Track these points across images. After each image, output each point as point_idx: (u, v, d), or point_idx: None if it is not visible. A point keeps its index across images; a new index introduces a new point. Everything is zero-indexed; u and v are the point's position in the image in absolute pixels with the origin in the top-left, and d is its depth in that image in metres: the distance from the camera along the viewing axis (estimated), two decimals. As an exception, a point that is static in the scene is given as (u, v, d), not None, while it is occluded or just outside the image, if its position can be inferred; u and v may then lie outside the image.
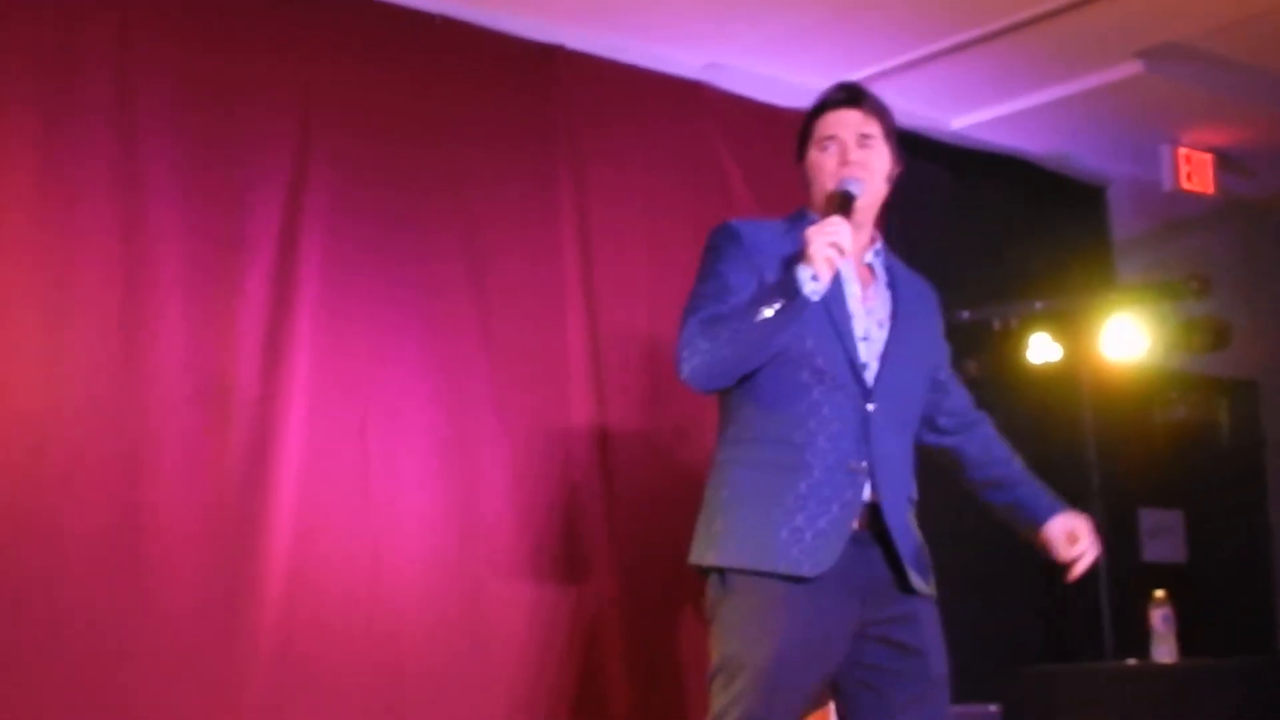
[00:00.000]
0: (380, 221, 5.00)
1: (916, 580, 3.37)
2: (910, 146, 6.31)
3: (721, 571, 3.33)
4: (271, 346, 4.74)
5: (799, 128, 3.51)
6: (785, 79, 6.01)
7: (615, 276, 5.47)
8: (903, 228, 6.29)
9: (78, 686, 4.26)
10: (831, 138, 3.44)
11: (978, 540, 6.25)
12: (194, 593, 4.50)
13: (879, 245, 3.55)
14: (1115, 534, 6.10)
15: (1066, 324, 6.21)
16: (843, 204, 3.32)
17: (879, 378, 3.40)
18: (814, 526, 3.28)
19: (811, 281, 3.16)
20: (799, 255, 3.18)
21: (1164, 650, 5.57)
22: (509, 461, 5.13)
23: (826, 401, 3.35)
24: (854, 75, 6.09)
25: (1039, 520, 3.59)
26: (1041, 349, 6.26)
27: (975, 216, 6.64)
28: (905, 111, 6.30)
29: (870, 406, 3.37)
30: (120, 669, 4.34)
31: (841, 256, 3.20)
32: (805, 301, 3.18)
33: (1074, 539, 3.56)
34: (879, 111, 3.51)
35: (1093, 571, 5.98)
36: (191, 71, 4.72)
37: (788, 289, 3.18)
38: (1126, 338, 6.10)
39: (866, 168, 3.43)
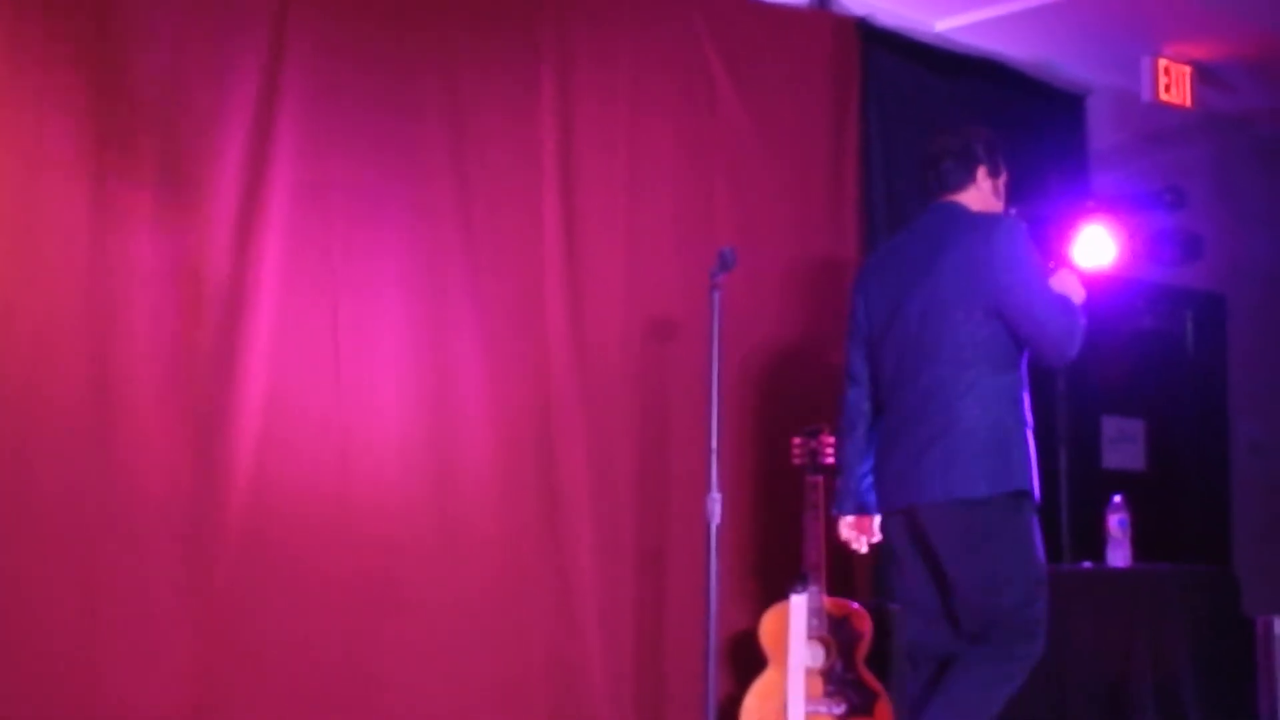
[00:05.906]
0: (359, 104, 4.97)
1: None
2: (892, 47, 6.37)
3: (1019, 495, 4.27)
4: (243, 228, 4.71)
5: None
6: (771, -25, 5.98)
7: (595, 169, 5.44)
8: (881, 128, 6.31)
9: (45, 561, 4.29)
10: None
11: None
12: (162, 473, 4.53)
13: None
14: (1077, 440, 6.16)
15: (1039, 231, 6.21)
16: None
17: None
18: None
19: None
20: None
21: (1119, 555, 5.62)
22: (483, 350, 5.14)
23: None
24: (839, -26, 6.10)
25: None
26: (1013, 255, 6.24)
27: (953, 120, 6.61)
28: (888, 11, 6.32)
29: None
30: (88, 545, 4.37)
31: None
32: None
33: None
34: None
35: (1053, 476, 6.15)
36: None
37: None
38: (1098, 247, 6.11)
39: None
